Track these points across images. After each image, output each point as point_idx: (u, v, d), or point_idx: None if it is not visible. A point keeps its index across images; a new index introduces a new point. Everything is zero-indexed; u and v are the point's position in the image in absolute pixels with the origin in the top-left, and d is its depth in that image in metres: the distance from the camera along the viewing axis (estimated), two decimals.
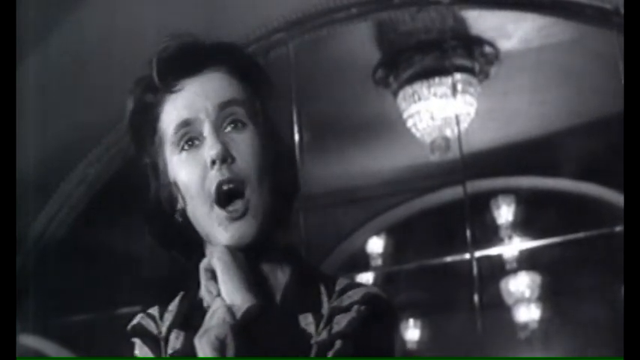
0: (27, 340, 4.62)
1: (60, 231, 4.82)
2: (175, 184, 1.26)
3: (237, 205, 1.21)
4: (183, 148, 1.24)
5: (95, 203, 4.78)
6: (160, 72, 1.26)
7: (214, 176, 1.21)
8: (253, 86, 1.29)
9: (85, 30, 4.14)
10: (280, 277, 1.26)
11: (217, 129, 1.23)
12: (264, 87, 1.32)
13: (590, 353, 4.67)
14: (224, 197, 1.21)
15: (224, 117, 1.24)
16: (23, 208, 3.70)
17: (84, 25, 4.11)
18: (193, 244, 1.28)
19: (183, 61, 1.26)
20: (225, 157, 1.21)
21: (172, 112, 1.26)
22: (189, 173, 1.23)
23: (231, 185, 1.21)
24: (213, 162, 1.21)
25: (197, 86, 1.25)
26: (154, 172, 1.30)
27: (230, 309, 1.14)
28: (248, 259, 1.21)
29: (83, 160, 4.74)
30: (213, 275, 1.20)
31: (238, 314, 1.14)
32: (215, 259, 1.19)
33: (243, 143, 1.23)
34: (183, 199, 1.25)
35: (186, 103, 1.25)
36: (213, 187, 1.21)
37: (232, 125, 1.24)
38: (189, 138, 1.24)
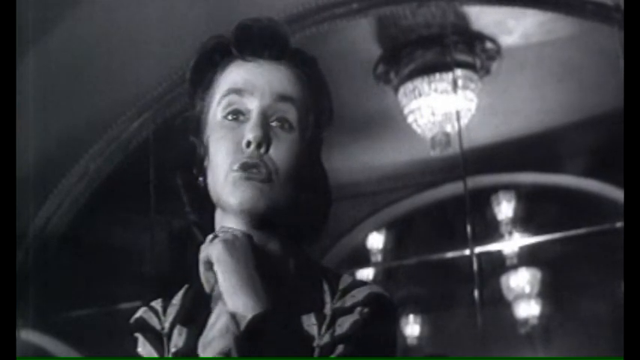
0: (27, 336, 4.63)
1: (61, 226, 4.83)
2: (207, 146, 1.26)
3: (257, 174, 1.20)
4: (226, 117, 1.24)
5: (96, 198, 4.78)
6: (239, 40, 1.26)
7: (243, 157, 1.20)
8: (315, 101, 1.29)
9: (84, 26, 4.14)
10: (284, 272, 1.25)
11: (264, 116, 1.22)
12: (325, 110, 1.32)
13: (590, 349, 4.67)
14: (247, 170, 1.20)
15: (275, 109, 1.23)
16: (24, 203, 3.70)
17: (84, 21, 4.11)
18: (207, 210, 1.27)
19: (268, 43, 1.26)
20: (262, 144, 1.20)
21: (232, 75, 1.26)
22: (222, 144, 1.22)
23: (255, 169, 1.20)
24: (249, 143, 1.20)
25: (267, 69, 1.25)
26: (196, 126, 1.29)
27: (233, 317, 1.12)
28: (252, 249, 1.18)
29: (84, 155, 4.75)
30: (211, 266, 1.17)
31: (242, 323, 1.11)
32: (214, 257, 1.16)
33: (285, 144, 1.22)
34: (208, 162, 1.25)
35: (248, 77, 1.24)
36: (237, 165, 1.20)
37: (279, 122, 1.23)
38: (235, 110, 1.24)
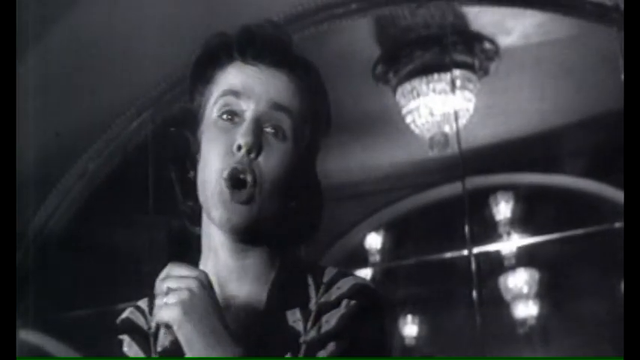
0: (26, 336, 4.63)
1: (60, 226, 4.82)
2: (200, 142, 1.26)
3: (243, 192, 1.19)
4: (221, 117, 1.24)
5: (95, 198, 4.79)
6: (242, 43, 1.26)
7: (233, 161, 1.20)
8: (313, 111, 1.28)
9: (84, 26, 4.14)
10: (269, 272, 1.25)
11: (259, 122, 1.22)
12: (324, 119, 1.32)
13: (588, 349, 4.67)
14: (235, 182, 1.19)
15: (270, 116, 1.23)
16: (23, 203, 3.70)
17: (84, 21, 4.12)
18: (198, 204, 1.26)
19: (270, 49, 1.26)
20: (252, 150, 1.20)
21: (231, 76, 1.26)
22: (214, 145, 1.22)
23: (244, 176, 1.19)
24: (239, 148, 1.20)
25: (266, 75, 1.25)
26: (193, 119, 1.29)
27: None
28: (213, 293, 1.14)
29: (83, 155, 4.75)
30: (171, 327, 1.11)
31: None
32: (174, 324, 1.10)
33: (277, 153, 1.22)
34: (200, 158, 1.25)
35: (247, 80, 1.24)
36: (227, 170, 1.19)
37: (274, 130, 1.22)
38: (230, 110, 1.23)
